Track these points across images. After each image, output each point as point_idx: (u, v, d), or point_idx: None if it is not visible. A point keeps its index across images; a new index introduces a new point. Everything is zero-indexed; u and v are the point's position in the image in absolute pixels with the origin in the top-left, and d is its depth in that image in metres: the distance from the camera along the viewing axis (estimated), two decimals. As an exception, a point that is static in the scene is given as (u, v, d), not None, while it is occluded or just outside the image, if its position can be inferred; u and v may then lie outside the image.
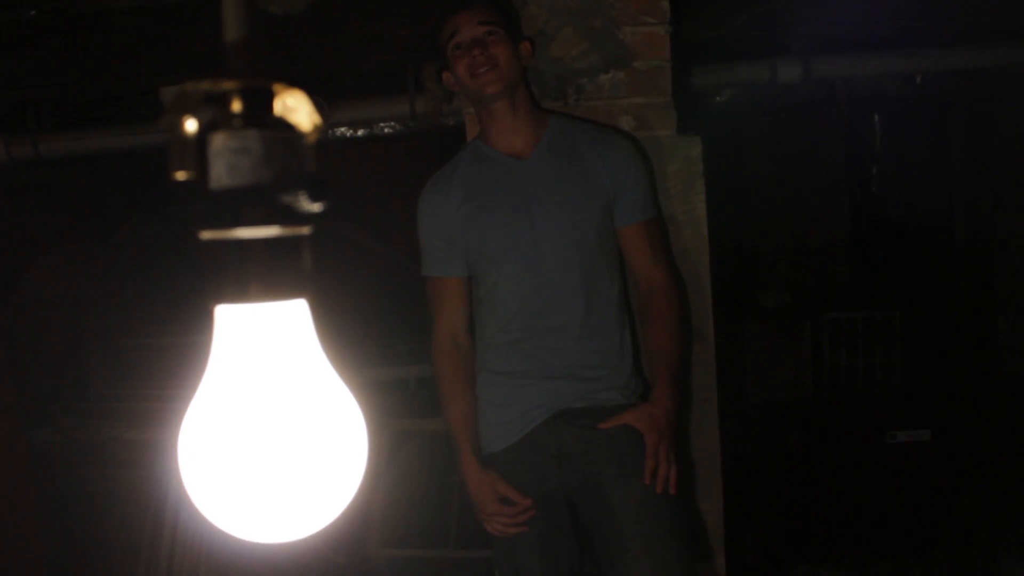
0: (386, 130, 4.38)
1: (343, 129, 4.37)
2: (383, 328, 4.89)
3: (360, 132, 4.44)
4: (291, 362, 0.66)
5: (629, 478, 2.02)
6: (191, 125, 0.61)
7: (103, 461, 3.71)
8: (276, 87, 0.63)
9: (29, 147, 3.63)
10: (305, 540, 0.68)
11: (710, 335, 2.50)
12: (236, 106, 0.61)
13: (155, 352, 4.58)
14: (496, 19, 2.10)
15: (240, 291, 0.62)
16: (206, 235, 0.61)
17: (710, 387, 2.51)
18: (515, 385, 2.13)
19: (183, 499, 3.75)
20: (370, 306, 4.92)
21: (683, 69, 3.64)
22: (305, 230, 0.64)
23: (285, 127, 0.63)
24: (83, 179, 4.35)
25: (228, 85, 0.61)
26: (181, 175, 0.60)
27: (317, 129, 0.65)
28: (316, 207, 0.62)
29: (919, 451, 3.64)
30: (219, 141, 0.61)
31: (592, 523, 2.09)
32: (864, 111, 6.08)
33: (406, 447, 4.35)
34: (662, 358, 2.12)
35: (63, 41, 3.06)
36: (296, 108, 0.64)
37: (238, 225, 0.60)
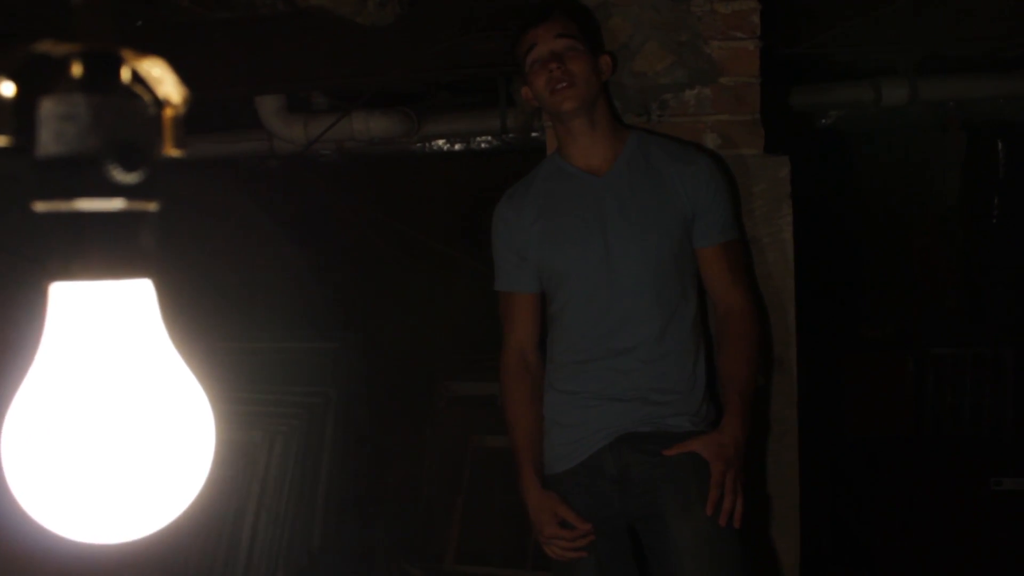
0: (483, 145, 4.40)
1: (441, 142, 4.41)
2: (472, 343, 4.89)
3: (457, 146, 4.47)
4: (131, 347, 0.61)
5: (691, 509, 1.94)
6: (7, 88, 0.57)
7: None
8: (126, 53, 0.59)
9: None
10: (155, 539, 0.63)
11: (792, 364, 2.39)
12: (75, 70, 0.58)
13: (249, 356, 4.68)
14: (575, 32, 2.07)
15: (74, 268, 0.59)
16: (39, 207, 0.58)
17: (791, 419, 2.40)
18: (581, 405, 2.07)
19: (264, 502, 3.80)
20: (459, 320, 4.93)
21: (781, 89, 3.53)
22: (151, 206, 0.60)
23: (129, 94, 0.59)
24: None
25: (66, 48, 0.58)
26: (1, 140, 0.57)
27: (184, 102, 0.60)
28: (130, 178, 0.58)
29: (1026, 500, 3.42)
30: (47, 106, 0.57)
31: (652, 553, 2.01)
32: (987, 137, 5.80)
33: (489, 464, 4.33)
34: (735, 385, 2.04)
35: (166, 49, 3.16)
36: (160, 78, 0.60)
37: (69, 196, 0.57)
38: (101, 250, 0.58)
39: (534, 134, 3.76)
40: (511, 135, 3.90)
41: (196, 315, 4.73)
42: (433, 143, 4.34)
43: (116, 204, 0.58)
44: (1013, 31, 3.22)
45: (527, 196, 2.15)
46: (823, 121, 4.14)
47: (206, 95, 3.46)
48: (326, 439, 4.46)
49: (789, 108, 3.56)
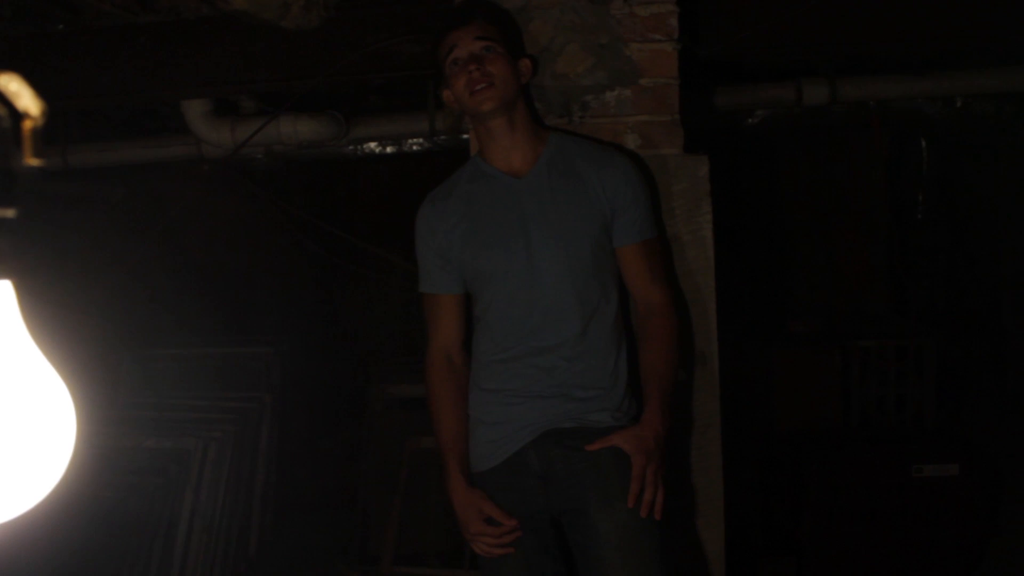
0: (414, 147, 4.40)
1: (372, 145, 4.41)
2: (407, 344, 4.89)
3: (389, 148, 4.47)
4: None
5: (613, 502, 1.97)
6: None
7: (122, 469, 3.74)
8: None
9: (58, 158, 3.71)
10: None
11: (714, 359, 2.44)
12: None
13: (181, 362, 4.63)
14: (494, 35, 2.09)
15: None
16: None
17: (713, 412, 2.45)
18: (505, 403, 2.10)
19: (198, 509, 3.77)
20: (396, 322, 4.93)
21: (707, 90, 3.60)
22: (8, 212, 0.63)
23: None
24: (117, 189, 4.43)
25: None
26: None
27: (42, 114, 0.63)
28: None
29: (945, 486, 3.52)
30: None
31: (576, 546, 2.04)
32: (910, 136, 5.96)
33: (425, 465, 4.34)
34: (655, 380, 2.08)
35: (90, 54, 3.13)
36: (17, 92, 0.64)
37: None
38: None
39: (464, 136, 3.78)
40: (441, 137, 3.91)
41: (127, 321, 4.66)
42: (365, 146, 4.34)
43: None
44: (928, 33, 3.32)
45: (449, 199, 2.16)
46: (749, 121, 4.23)
47: (132, 99, 3.42)
48: (261, 444, 4.43)
49: (714, 108, 3.63)
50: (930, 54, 3.85)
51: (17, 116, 0.63)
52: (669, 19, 2.40)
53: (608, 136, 2.40)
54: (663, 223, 2.37)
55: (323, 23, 2.74)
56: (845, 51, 3.45)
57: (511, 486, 2.07)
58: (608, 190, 2.10)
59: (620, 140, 2.41)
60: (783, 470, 3.90)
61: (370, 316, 5.20)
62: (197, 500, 3.77)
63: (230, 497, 4.00)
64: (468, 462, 2.14)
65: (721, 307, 2.46)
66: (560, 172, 2.12)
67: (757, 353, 4.37)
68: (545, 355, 2.07)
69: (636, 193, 2.12)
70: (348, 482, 4.58)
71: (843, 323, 4.93)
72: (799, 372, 4.51)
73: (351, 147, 4.19)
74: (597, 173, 2.11)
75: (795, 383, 4.48)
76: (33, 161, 0.64)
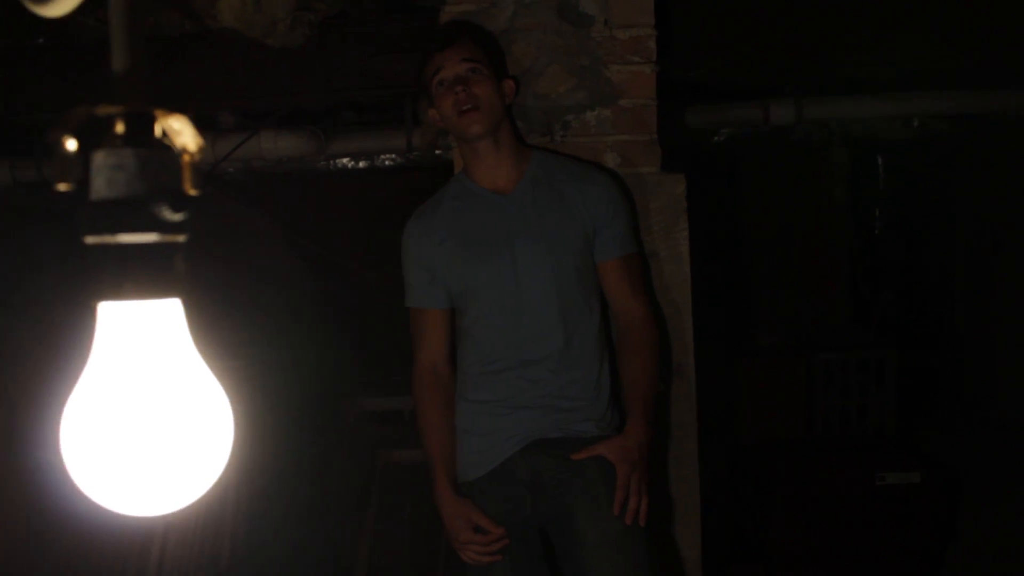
0: (386, 162, 4.45)
1: (344, 160, 4.44)
2: (379, 358, 4.91)
3: (361, 164, 4.51)
4: (164, 353, 0.74)
5: (599, 510, 2.04)
6: (71, 143, 0.68)
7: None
8: (158, 112, 0.71)
9: (33, 170, 3.70)
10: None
11: (690, 371, 2.52)
12: (119, 128, 0.70)
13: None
14: (479, 57, 2.15)
15: (118, 289, 0.70)
16: (89, 240, 0.69)
17: (690, 423, 2.53)
18: (492, 414, 2.15)
19: (171, 524, 3.76)
20: (367, 335, 4.95)
21: (679, 109, 3.70)
22: (180, 238, 0.71)
23: (162, 147, 0.71)
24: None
25: (111, 109, 0.70)
26: (62, 186, 0.69)
27: (199, 150, 0.71)
28: (177, 217, 0.70)
29: (908, 493, 3.63)
30: (99, 158, 0.69)
31: (563, 554, 2.10)
32: (868, 153, 6.13)
33: (398, 478, 4.37)
34: (637, 392, 2.15)
35: (70, 68, 3.14)
36: (180, 131, 0.71)
37: (115, 231, 0.68)
38: (140, 275, 0.70)
39: (437, 151, 3.84)
40: (415, 153, 3.96)
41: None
42: (338, 161, 4.37)
43: (152, 237, 0.69)
44: (887, 57, 3.46)
45: (436, 215, 2.22)
46: (715, 138, 4.34)
47: (112, 113, 3.43)
48: (232, 458, 4.42)
49: (684, 126, 3.72)
50: (890, 77, 3.98)
51: (180, 152, 0.71)
52: (647, 42, 2.48)
53: (588, 155, 2.47)
54: (642, 239, 2.45)
55: (307, 41, 2.78)
56: (810, 74, 3.56)
57: (498, 495, 2.13)
58: (590, 207, 2.16)
59: (600, 159, 2.48)
60: (750, 479, 4.00)
61: (341, 330, 5.21)
62: (170, 514, 3.76)
63: (202, 511, 4.00)
64: (455, 472, 2.19)
65: (697, 321, 2.54)
66: (544, 189, 2.18)
67: (724, 365, 4.47)
68: (531, 367, 2.13)
69: (617, 210, 2.20)
70: (320, 496, 4.59)
71: (807, 335, 5.05)
72: (764, 383, 4.62)
73: (324, 162, 4.23)
74: (579, 190, 2.17)
75: (761, 394, 4.59)
76: (192, 192, 0.73)
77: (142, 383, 0.72)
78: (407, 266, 2.24)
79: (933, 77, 4.02)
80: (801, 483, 3.70)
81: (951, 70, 3.93)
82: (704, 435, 2.57)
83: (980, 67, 3.84)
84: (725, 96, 3.68)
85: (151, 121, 0.70)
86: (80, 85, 3.09)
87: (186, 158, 0.71)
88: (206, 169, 3.44)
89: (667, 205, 2.50)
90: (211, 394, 0.76)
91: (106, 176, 0.69)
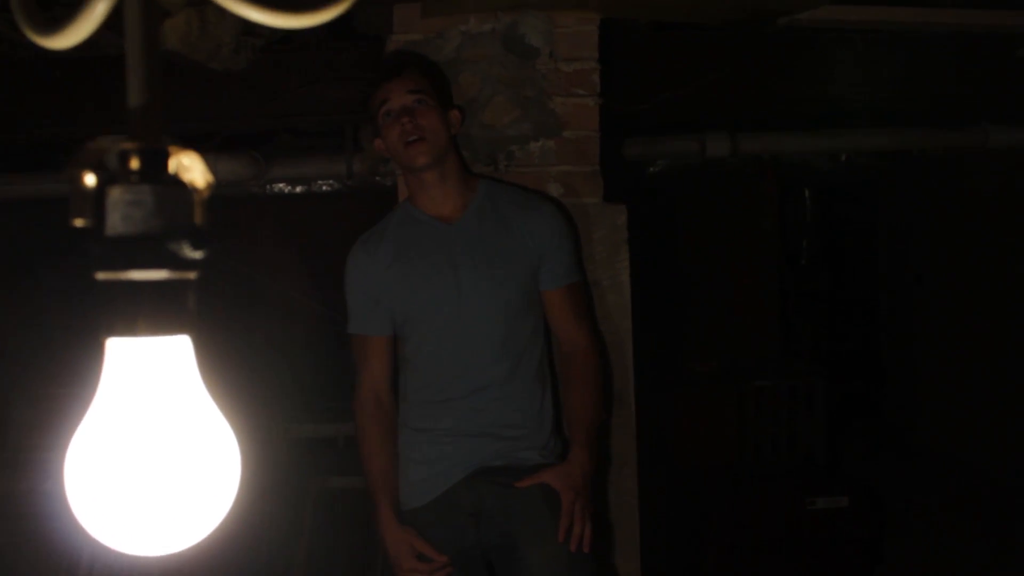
0: (324, 188, 4.43)
1: (281, 185, 4.41)
2: (313, 385, 4.86)
3: (299, 189, 4.49)
4: (173, 391, 0.73)
5: (544, 537, 2.05)
6: (90, 179, 0.68)
7: (15, 514, 3.61)
8: (171, 148, 0.71)
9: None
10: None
11: (631, 399, 2.55)
12: (134, 163, 0.69)
13: (76, 402, 4.49)
14: (426, 87, 2.17)
15: (129, 326, 0.70)
16: (101, 276, 0.69)
17: (630, 450, 2.56)
18: (435, 442, 2.16)
19: (97, 554, 3.66)
20: (301, 362, 4.90)
21: (616, 140, 3.76)
22: (191, 275, 0.71)
23: (177, 183, 0.71)
24: (10, 225, 4.30)
25: (127, 145, 0.69)
26: (79, 222, 0.68)
27: (209, 186, 0.72)
28: (198, 254, 0.70)
29: (837, 517, 3.72)
30: (115, 194, 0.69)
31: (507, 582, 2.11)
32: (796, 186, 6.31)
33: (332, 505, 4.32)
34: (580, 419, 2.17)
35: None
36: (190, 167, 0.71)
37: (129, 268, 0.68)
38: (152, 312, 0.70)
39: (377, 178, 3.83)
40: (355, 180, 3.95)
41: (18, 366, 4.50)
42: (275, 185, 4.34)
43: (163, 274, 0.69)
44: (816, 95, 3.58)
45: (381, 242, 2.22)
46: (652, 169, 4.42)
47: (41, 134, 3.36)
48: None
49: (622, 157, 3.78)
50: (820, 114, 4.13)
51: (191, 189, 0.72)
52: (591, 75, 2.53)
53: (532, 185, 2.50)
54: (584, 268, 2.48)
55: (250, 66, 2.77)
56: (744, 109, 3.67)
57: (442, 523, 2.12)
58: (535, 236, 2.19)
59: (544, 189, 2.51)
60: (685, 505, 4.05)
61: (274, 355, 5.14)
62: (97, 544, 3.66)
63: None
64: (398, 500, 2.18)
65: (637, 349, 2.58)
66: (489, 218, 2.20)
67: (660, 393, 4.53)
68: (474, 396, 2.14)
69: (561, 239, 2.23)
70: (252, 523, 4.50)
71: (739, 364, 5.15)
72: (699, 411, 4.70)
73: (261, 187, 4.19)
74: (525, 219, 2.20)
75: (695, 421, 4.66)
76: (205, 229, 0.73)
77: (150, 420, 0.72)
78: (351, 293, 2.24)
79: (861, 114, 4.18)
80: (735, 508, 3.77)
81: (878, 108, 4.08)
82: (641, 462, 2.60)
83: (904, 106, 3.99)
84: (662, 129, 3.76)
85: (166, 157, 0.71)
86: (6, 103, 3.03)
87: (197, 196, 0.72)
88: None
89: (609, 235, 2.54)
90: (218, 432, 0.76)
91: (122, 212, 0.68)
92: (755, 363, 5.20)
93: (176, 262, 0.69)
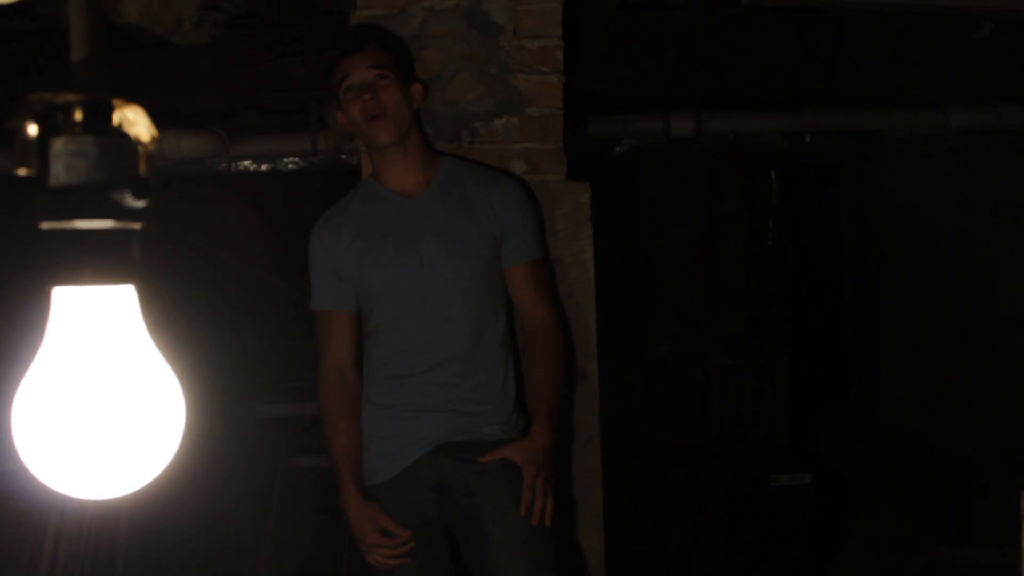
0: (290, 166, 4.40)
1: (246, 163, 4.37)
2: (279, 364, 4.85)
3: (264, 167, 4.45)
4: (118, 338, 0.75)
5: (506, 511, 2.06)
6: (32, 129, 0.70)
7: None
8: (116, 102, 0.72)
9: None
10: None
11: (594, 375, 2.57)
12: (77, 115, 0.70)
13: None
14: (388, 63, 2.16)
15: (74, 274, 0.72)
16: (45, 225, 0.70)
17: (593, 426, 2.58)
18: (398, 418, 2.16)
19: (64, 534, 3.64)
20: (267, 341, 4.88)
21: (582, 119, 3.77)
22: (136, 225, 0.73)
23: (121, 135, 0.72)
24: None
25: (70, 97, 0.71)
26: (22, 171, 0.70)
27: (154, 139, 0.73)
28: (140, 204, 0.71)
29: (800, 494, 3.78)
30: (58, 144, 0.70)
31: (470, 555, 2.12)
32: (761, 167, 6.34)
33: (299, 484, 4.32)
34: (542, 395, 2.19)
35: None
36: (135, 120, 0.72)
37: (74, 217, 0.70)
38: (97, 261, 0.72)
39: (343, 156, 3.81)
40: (319, 157, 3.93)
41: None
42: (240, 163, 4.30)
43: (108, 224, 0.70)
44: (780, 76, 3.61)
45: (344, 218, 2.21)
46: (617, 149, 4.43)
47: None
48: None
49: (587, 136, 3.80)
50: (783, 94, 4.15)
51: (136, 141, 0.73)
52: (555, 52, 2.53)
53: (495, 162, 2.49)
54: (548, 245, 2.49)
55: (213, 41, 2.74)
56: (709, 89, 3.69)
57: (405, 498, 2.13)
58: (498, 212, 2.19)
59: (507, 166, 2.51)
60: (649, 483, 4.09)
61: (240, 334, 5.11)
62: (62, 526, 3.63)
63: (96, 521, 3.87)
64: (361, 476, 2.18)
65: (600, 327, 2.60)
66: (452, 194, 2.20)
67: (624, 371, 4.57)
68: (437, 371, 2.15)
69: (524, 216, 2.23)
70: (219, 503, 4.49)
71: (704, 344, 5.20)
72: (663, 390, 4.74)
73: (225, 164, 4.15)
74: (487, 195, 2.20)
75: (660, 399, 4.70)
76: (149, 180, 0.74)
77: (95, 368, 0.74)
78: (314, 268, 2.23)
79: (824, 96, 4.21)
80: (699, 485, 3.81)
81: (841, 89, 4.12)
82: (606, 440, 2.62)
83: (867, 88, 4.03)
84: (627, 108, 3.77)
85: (110, 110, 0.72)
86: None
87: (142, 148, 0.73)
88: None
89: (572, 212, 2.55)
90: (163, 380, 0.78)
91: (65, 163, 0.70)
92: (720, 342, 5.25)
93: (120, 212, 0.70)
